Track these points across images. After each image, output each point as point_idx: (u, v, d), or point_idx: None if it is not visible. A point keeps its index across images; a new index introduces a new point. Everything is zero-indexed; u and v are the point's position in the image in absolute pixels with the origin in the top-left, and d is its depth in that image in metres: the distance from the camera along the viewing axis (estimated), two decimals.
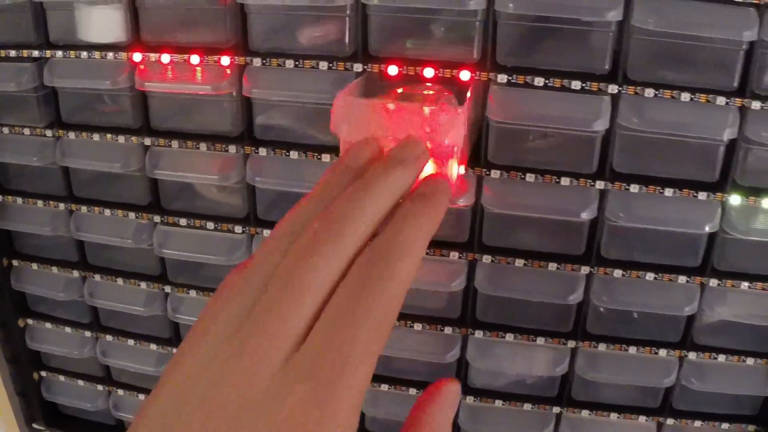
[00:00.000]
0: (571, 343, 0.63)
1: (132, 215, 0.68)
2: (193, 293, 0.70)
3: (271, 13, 0.57)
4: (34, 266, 0.74)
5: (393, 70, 0.57)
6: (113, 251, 0.72)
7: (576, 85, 0.54)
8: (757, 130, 0.53)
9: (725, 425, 0.65)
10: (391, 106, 0.42)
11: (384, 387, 0.69)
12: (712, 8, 0.51)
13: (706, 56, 0.52)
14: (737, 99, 0.52)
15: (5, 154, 0.69)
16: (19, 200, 0.71)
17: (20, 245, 0.76)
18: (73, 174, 0.69)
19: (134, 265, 0.72)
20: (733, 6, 0.50)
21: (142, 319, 0.73)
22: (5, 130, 0.67)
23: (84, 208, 0.69)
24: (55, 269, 0.74)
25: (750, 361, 0.62)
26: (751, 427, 0.64)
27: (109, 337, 0.76)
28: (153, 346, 0.74)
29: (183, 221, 0.67)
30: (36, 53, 0.63)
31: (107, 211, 0.68)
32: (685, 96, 0.53)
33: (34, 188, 0.71)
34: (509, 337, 0.64)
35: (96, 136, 0.65)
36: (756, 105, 0.52)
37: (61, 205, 0.70)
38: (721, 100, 0.52)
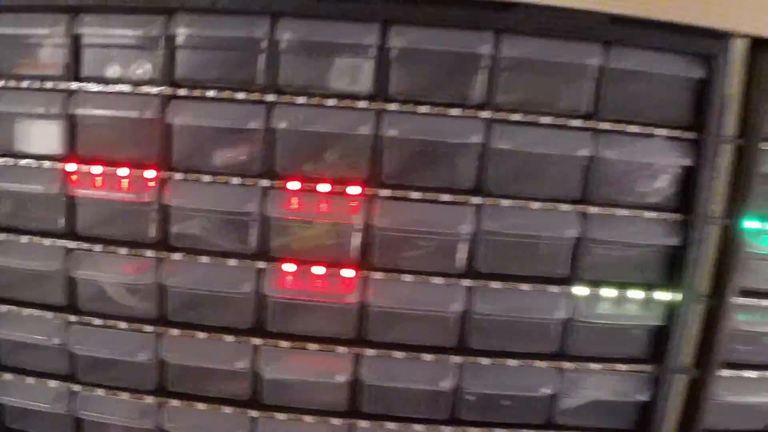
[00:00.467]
0: (447, 429, 0.71)
1: (49, 315, 0.73)
2: (101, 392, 0.75)
3: (192, 134, 0.68)
4: None
5: (294, 185, 0.68)
6: (26, 350, 0.76)
7: (446, 197, 0.67)
8: (595, 231, 0.66)
9: None
10: None
11: None
12: (553, 133, 0.65)
13: (552, 171, 0.66)
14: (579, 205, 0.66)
15: None
16: None
17: None
18: None
19: (43, 365, 0.76)
20: (570, 130, 0.65)
21: (49, 416, 0.76)
22: None
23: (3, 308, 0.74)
24: None
25: None
26: None
27: None
28: None
29: (97, 321, 0.73)
30: None
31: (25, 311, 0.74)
32: (536, 204, 0.66)
33: None
34: (391, 425, 0.72)
35: (24, 239, 0.72)
36: (594, 210, 0.66)
37: None
38: (565, 207, 0.66)
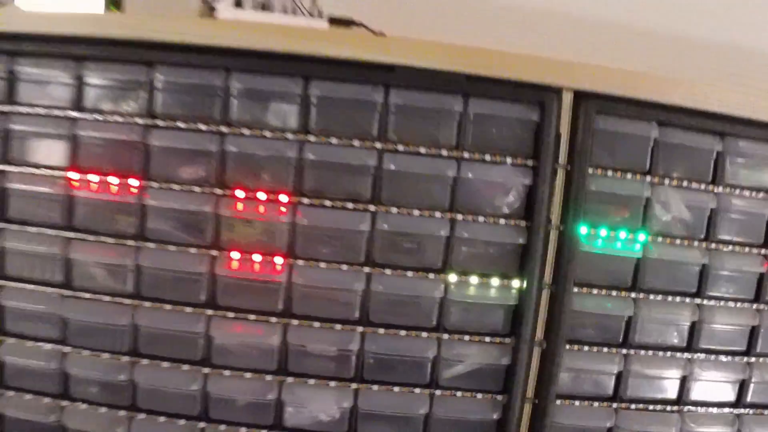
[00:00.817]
0: (353, 386, 0.94)
1: (50, 290, 0.95)
2: (86, 353, 0.96)
3: (166, 153, 0.92)
4: None
5: (240, 193, 0.91)
6: (27, 318, 0.98)
7: (350, 205, 0.90)
8: (462, 232, 0.90)
9: None
10: None
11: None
12: (429, 159, 0.89)
13: (429, 187, 0.90)
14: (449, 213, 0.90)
15: None
16: None
17: None
18: None
19: (40, 332, 0.98)
20: (442, 158, 0.89)
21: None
22: None
23: None
24: None
25: (479, 395, 0.94)
26: None
27: None
28: None
29: (87, 295, 0.95)
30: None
31: None
32: (416, 212, 0.90)
33: None
34: (311, 381, 0.94)
35: (33, 229, 0.94)
36: (460, 217, 0.90)
37: None
38: (439, 214, 0.90)
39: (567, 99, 0.90)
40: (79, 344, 0.95)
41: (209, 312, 0.93)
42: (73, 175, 0.92)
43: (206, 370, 0.94)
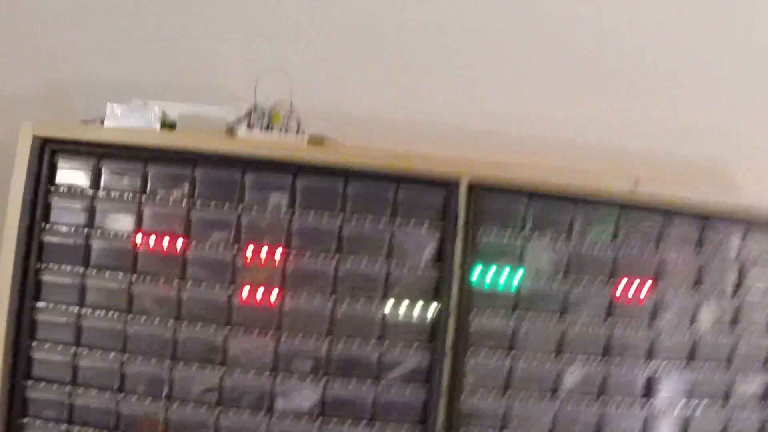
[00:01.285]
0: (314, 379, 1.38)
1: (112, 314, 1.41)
2: None
3: (201, 224, 1.40)
4: None
5: (250, 250, 1.38)
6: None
7: (321, 257, 1.38)
8: (396, 272, 1.37)
9: None
10: None
11: None
12: (370, 220, 1.37)
13: (369, 241, 1.38)
14: (388, 258, 1.37)
15: None
16: None
17: None
18: None
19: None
20: (381, 223, 1.38)
21: None
22: None
23: None
24: None
25: (410, 386, 1.39)
26: None
27: None
28: None
29: (143, 318, 1.40)
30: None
31: None
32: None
33: None
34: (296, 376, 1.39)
35: (108, 273, 1.40)
36: (395, 261, 1.38)
37: None
38: (381, 259, 1.37)
39: (464, 184, 1.39)
40: (135, 352, 1.40)
41: (227, 328, 1.38)
42: (138, 237, 1.39)
43: (223, 368, 1.38)
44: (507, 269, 1.41)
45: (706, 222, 1.45)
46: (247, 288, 1.37)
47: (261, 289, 1.37)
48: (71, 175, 1.38)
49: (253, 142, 1.40)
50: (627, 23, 1.82)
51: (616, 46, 1.82)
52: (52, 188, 1.38)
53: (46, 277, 1.38)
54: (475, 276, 1.39)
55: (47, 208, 1.38)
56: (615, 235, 1.43)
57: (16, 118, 1.38)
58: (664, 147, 1.81)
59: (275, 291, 1.37)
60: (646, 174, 1.41)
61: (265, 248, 1.37)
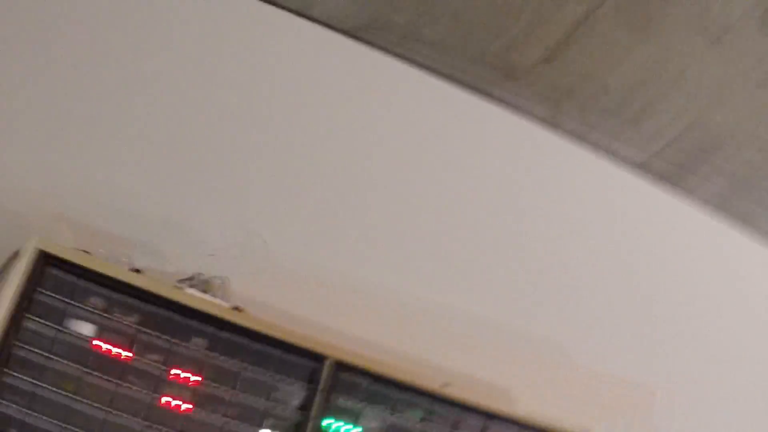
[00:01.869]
0: None
1: None
2: None
3: None
4: None
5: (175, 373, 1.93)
6: None
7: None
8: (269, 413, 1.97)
9: None
10: None
11: None
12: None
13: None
14: None
15: None
16: None
17: None
18: None
19: None
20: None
21: None
22: None
23: None
24: None
25: None
26: None
27: None
28: None
29: None
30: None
31: None
32: None
33: None
34: None
35: None
36: (272, 404, 1.97)
37: None
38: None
39: (330, 360, 2.06)
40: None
41: (146, 423, 1.87)
42: (96, 341, 1.90)
43: None
44: (349, 426, 2.04)
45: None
46: (166, 398, 1.90)
47: (177, 401, 1.90)
48: (57, 284, 1.89)
49: (192, 296, 2.01)
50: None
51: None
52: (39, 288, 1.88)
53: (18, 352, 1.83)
54: (325, 424, 2.01)
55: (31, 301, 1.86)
56: (423, 418, 2.12)
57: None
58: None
59: (188, 405, 1.90)
60: (451, 381, 2.16)
61: (185, 373, 1.93)
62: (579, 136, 3.01)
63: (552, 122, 2.99)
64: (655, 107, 2.83)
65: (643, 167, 3.10)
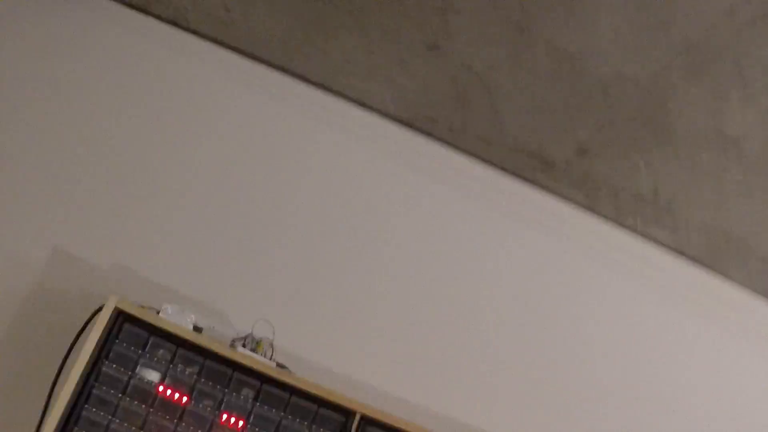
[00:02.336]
0: None
1: None
2: None
3: None
4: None
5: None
6: None
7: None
8: None
9: None
10: None
11: None
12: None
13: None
14: None
15: None
16: None
17: None
18: None
19: None
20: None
21: None
22: None
23: None
24: None
25: None
26: None
27: None
28: None
29: None
30: None
31: None
32: None
33: None
34: None
35: None
36: None
37: None
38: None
39: (357, 415, 2.35)
40: None
41: None
42: (161, 387, 2.28)
43: None
44: None
45: None
46: None
47: None
48: (131, 337, 2.30)
49: (243, 355, 2.37)
50: None
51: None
52: (117, 340, 2.29)
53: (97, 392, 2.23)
54: None
55: (109, 350, 2.27)
56: None
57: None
58: None
59: None
60: None
61: (232, 418, 2.28)
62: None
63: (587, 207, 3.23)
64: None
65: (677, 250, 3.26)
